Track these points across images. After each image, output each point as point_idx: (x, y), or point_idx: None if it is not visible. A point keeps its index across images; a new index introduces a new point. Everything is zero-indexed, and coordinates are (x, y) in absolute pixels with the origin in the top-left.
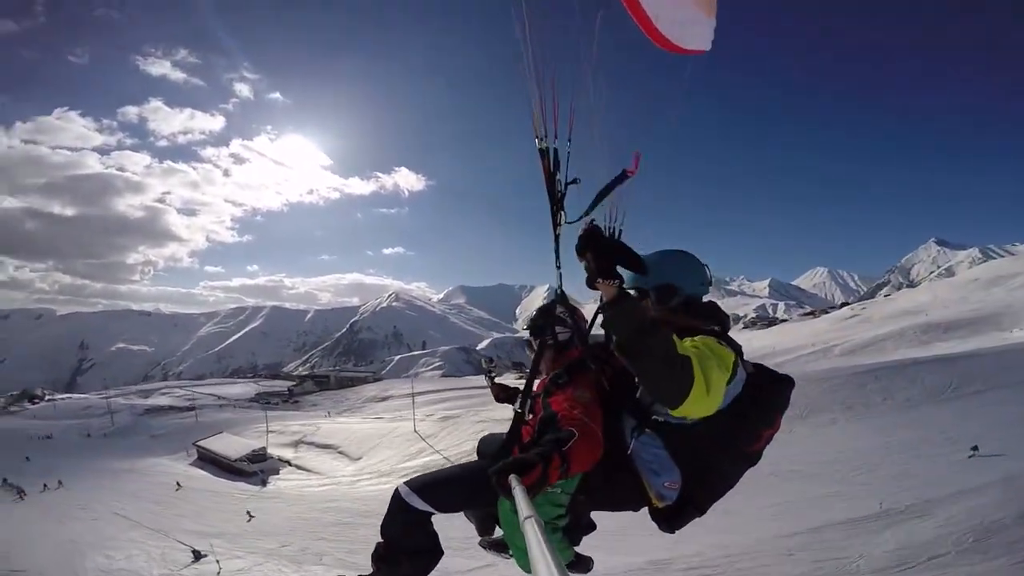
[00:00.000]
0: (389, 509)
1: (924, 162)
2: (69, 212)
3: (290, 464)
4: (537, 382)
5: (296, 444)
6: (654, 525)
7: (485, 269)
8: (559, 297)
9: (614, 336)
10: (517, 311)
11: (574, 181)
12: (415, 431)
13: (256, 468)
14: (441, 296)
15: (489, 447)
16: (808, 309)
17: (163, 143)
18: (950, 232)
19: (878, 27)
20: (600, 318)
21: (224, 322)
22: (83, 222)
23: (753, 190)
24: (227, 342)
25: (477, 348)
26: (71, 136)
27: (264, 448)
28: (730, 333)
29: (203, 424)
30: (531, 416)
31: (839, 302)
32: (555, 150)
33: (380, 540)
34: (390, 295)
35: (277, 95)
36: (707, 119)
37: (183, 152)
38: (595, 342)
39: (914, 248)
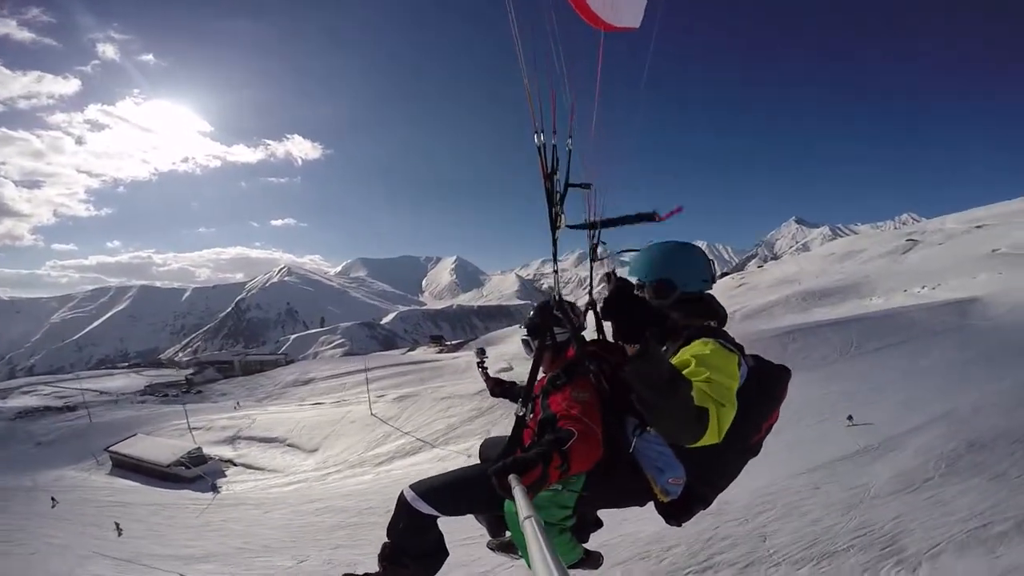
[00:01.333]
0: (395, 512)
1: (788, 147)
2: None
3: (233, 464)
4: (536, 383)
5: (232, 440)
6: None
7: (387, 241)
8: (555, 300)
9: (634, 389)
10: (423, 283)
11: (584, 185)
12: (372, 414)
13: (196, 473)
14: (339, 269)
15: (492, 451)
16: None
17: None
18: (807, 211)
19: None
20: (599, 320)
21: (82, 306)
22: None
23: (635, 166)
24: (87, 329)
25: (382, 322)
26: None
27: (199, 448)
28: None
29: (100, 426)
30: (531, 418)
31: (717, 272)
32: (554, 147)
33: (386, 541)
34: (281, 269)
35: (150, 57)
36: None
37: (24, 118)
38: (593, 341)
39: (777, 225)
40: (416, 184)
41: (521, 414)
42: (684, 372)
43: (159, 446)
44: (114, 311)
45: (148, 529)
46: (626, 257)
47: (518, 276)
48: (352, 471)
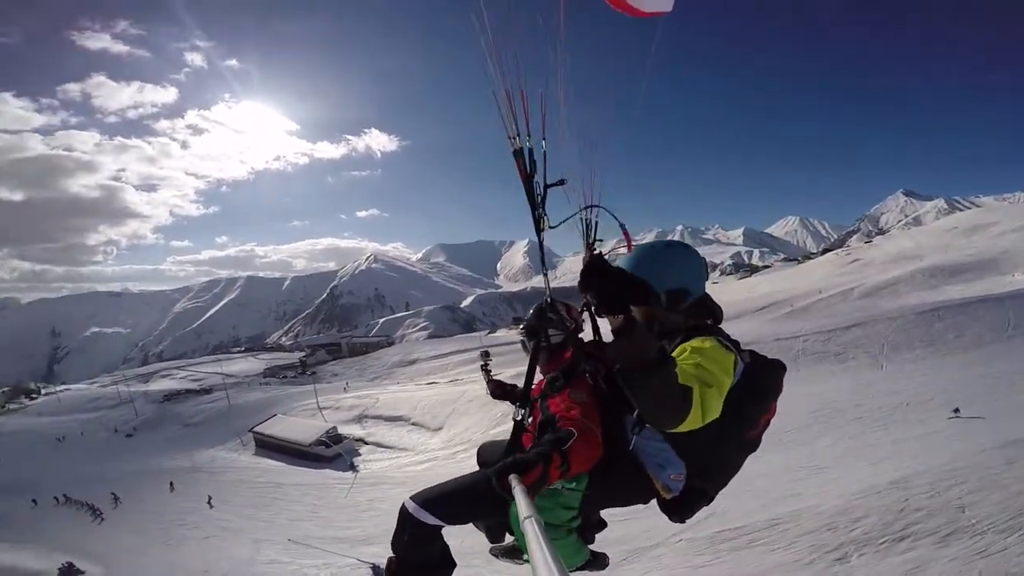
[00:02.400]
0: (397, 525)
1: (893, 115)
2: (17, 197)
3: (364, 442)
4: (533, 386)
5: (360, 419)
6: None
7: (463, 226)
8: (547, 302)
9: (617, 366)
10: (498, 266)
11: (559, 183)
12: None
13: (334, 452)
14: (420, 255)
15: (489, 455)
16: (781, 256)
17: (112, 119)
18: (917, 183)
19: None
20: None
21: (199, 296)
22: (34, 206)
23: (727, 142)
24: (204, 317)
25: (462, 305)
26: (7, 119)
27: (335, 428)
28: (713, 282)
29: (237, 407)
30: (529, 421)
31: (811, 249)
32: (530, 150)
33: (391, 555)
34: (368, 257)
35: (233, 62)
36: (683, 78)
37: (135, 127)
38: (589, 342)
39: (883, 198)
40: (486, 169)
41: (519, 418)
42: (674, 355)
43: (298, 426)
44: (226, 300)
45: (308, 511)
46: (619, 260)
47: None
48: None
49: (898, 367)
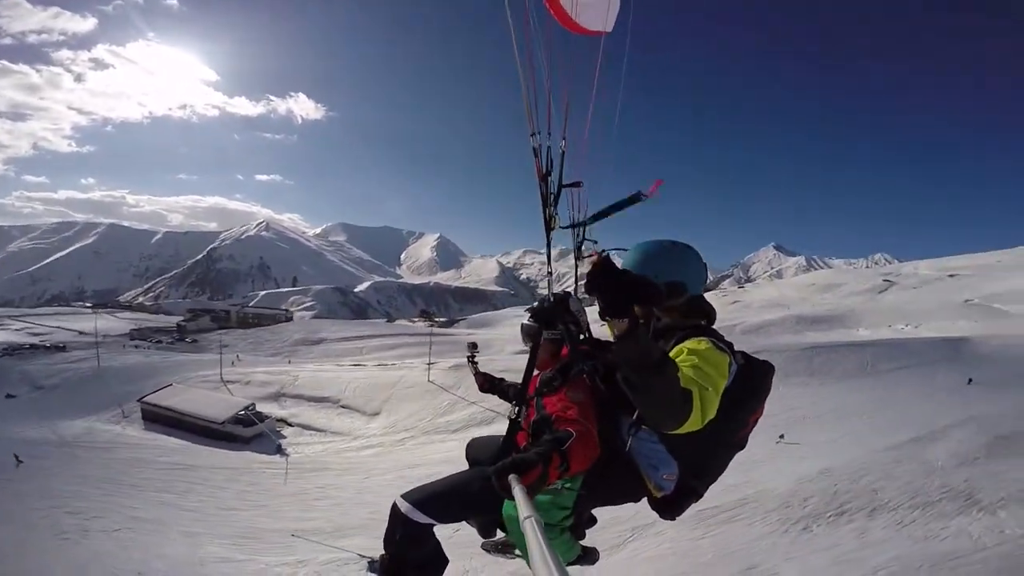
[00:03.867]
0: (390, 524)
1: (772, 173)
2: None
3: (288, 423)
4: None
5: (277, 397)
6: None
7: (372, 209)
8: (549, 300)
9: (621, 370)
10: (402, 256)
11: (575, 184)
12: (430, 381)
13: (254, 432)
14: (318, 231)
15: (480, 452)
16: None
17: (6, 41)
18: (787, 239)
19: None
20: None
21: (44, 237)
22: None
23: (617, 178)
24: (46, 261)
25: (356, 290)
26: None
27: (253, 404)
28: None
29: (110, 371)
30: (524, 420)
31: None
32: (548, 148)
33: (383, 554)
34: (259, 223)
35: (173, 1)
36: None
37: (28, 52)
38: (585, 340)
39: (756, 249)
40: (409, 157)
41: (514, 416)
42: (672, 358)
43: (204, 399)
44: (77, 245)
45: (240, 499)
46: (620, 257)
47: (499, 263)
48: (428, 437)
49: (791, 389)
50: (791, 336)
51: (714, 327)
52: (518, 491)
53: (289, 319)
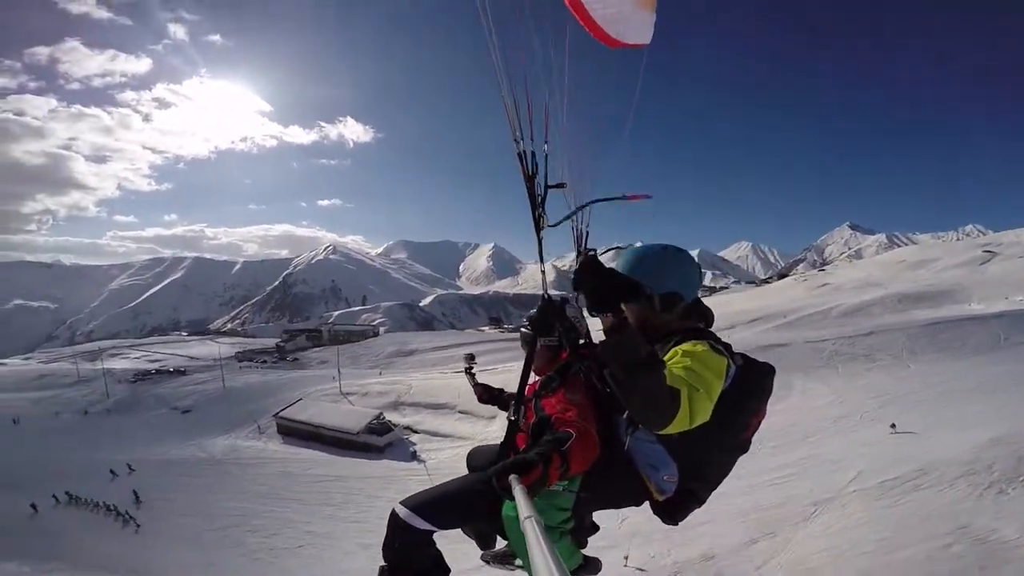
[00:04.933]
0: (388, 531)
1: (845, 149)
2: None
3: (413, 431)
4: (528, 384)
5: (396, 406)
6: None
7: (428, 225)
8: (547, 302)
9: (608, 365)
10: (460, 268)
11: (559, 185)
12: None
13: (387, 440)
14: (380, 250)
15: (480, 460)
16: (731, 279)
17: (75, 86)
18: (862, 217)
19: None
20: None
21: (140, 274)
22: None
23: (688, 165)
24: (143, 296)
25: (421, 304)
26: None
27: (382, 414)
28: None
29: (236, 391)
30: (523, 422)
31: (759, 275)
32: (532, 153)
33: (383, 564)
34: (327, 247)
35: (216, 37)
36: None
37: (97, 96)
38: (586, 345)
39: (829, 230)
40: (458, 170)
41: (513, 418)
42: (665, 360)
43: (337, 412)
44: (169, 280)
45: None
46: (616, 262)
47: (554, 267)
48: None
49: (924, 366)
50: (895, 316)
51: (712, 330)
52: (518, 491)
53: (376, 334)
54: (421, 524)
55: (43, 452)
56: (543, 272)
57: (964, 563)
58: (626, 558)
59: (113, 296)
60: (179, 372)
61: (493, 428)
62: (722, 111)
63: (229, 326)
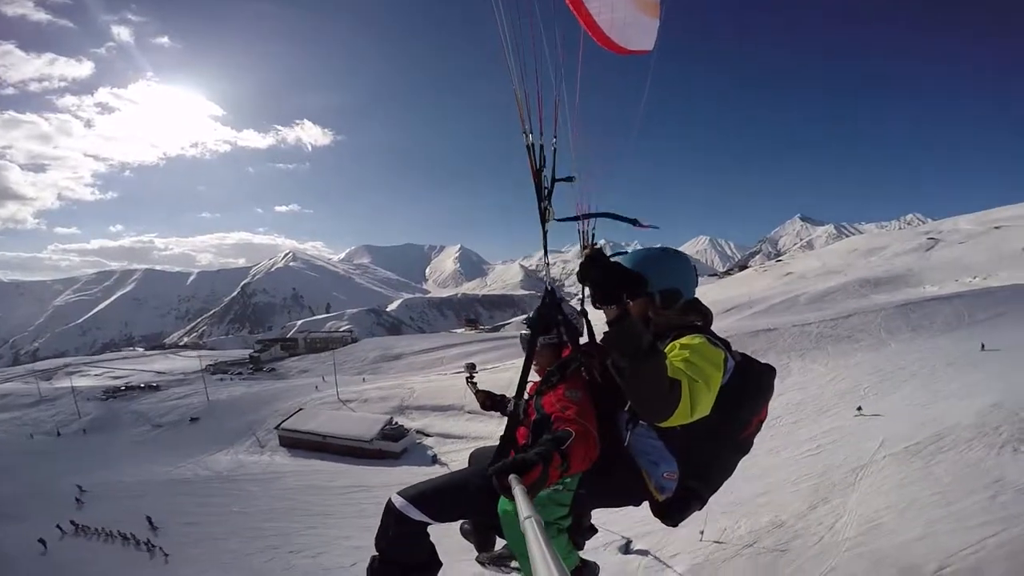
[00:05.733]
0: (383, 521)
1: (794, 144)
2: None
3: (426, 434)
4: (529, 385)
5: (402, 410)
6: None
7: (391, 228)
8: (549, 291)
9: (611, 355)
10: (426, 271)
11: (568, 179)
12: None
13: (402, 446)
14: (343, 256)
15: (483, 460)
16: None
17: (9, 91)
18: (812, 209)
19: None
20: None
21: (86, 289)
22: None
23: (644, 164)
24: (92, 312)
25: (387, 309)
26: None
27: (392, 418)
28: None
29: (220, 404)
30: (524, 419)
31: (718, 268)
32: (541, 146)
33: (375, 554)
34: (286, 255)
35: (164, 39)
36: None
37: (33, 101)
38: (585, 343)
39: (782, 222)
40: (421, 172)
41: (515, 411)
42: (665, 352)
43: (343, 420)
44: (119, 294)
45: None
46: (618, 259)
47: (522, 266)
48: None
49: (902, 344)
50: (859, 300)
51: (711, 328)
52: (518, 491)
53: (355, 340)
54: (417, 515)
55: (29, 477)
56: (547, 264)
57: (1015, 510)
58: (701, 533)
59: (58, 312)
60: (151, 388)
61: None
62: (675, 110)
63: (187, 339)
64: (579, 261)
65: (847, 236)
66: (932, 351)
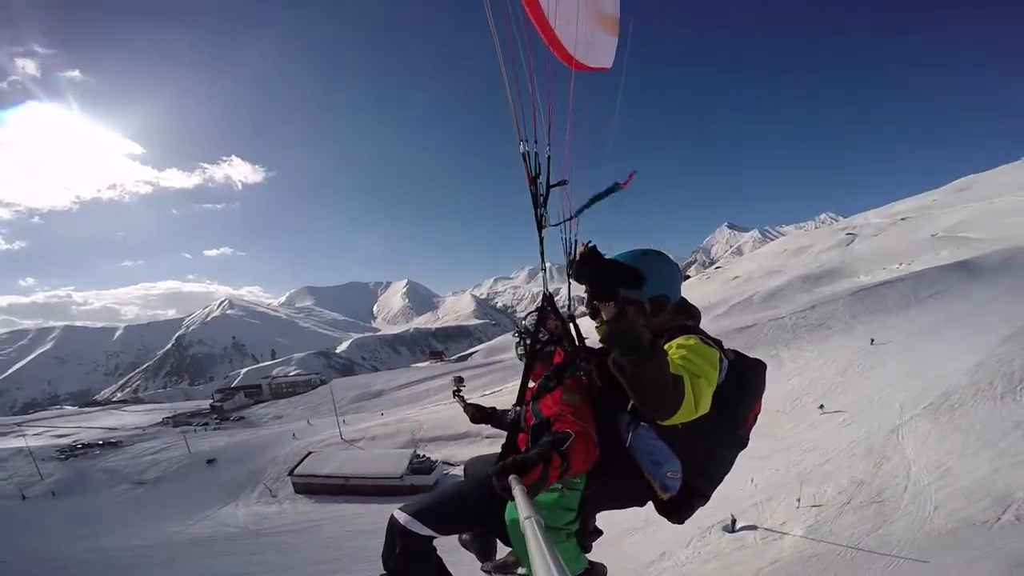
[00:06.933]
0: (387, 539)
1: (719, 153)
2: None
3: (450, 464)
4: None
5: (414, 443)
6: None
7: (333, 267)
8: (547, 300)
9: (612, 355)
10: (374, 309)
11: (560, 183)
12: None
13: (433, 480)
14: (283, 300)
15: (479, 469)
16: None
17: None
18: (737, 216)
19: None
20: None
21: None
22: None
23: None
24: (8, 372)
25: (337, 351)
26: None
27: (415, 451)
28: None
29: (203, 455)
30: (523, 424)
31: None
32: (535, 154)
33: (383, 573)
34: (222, 303)
35: (75, 73)
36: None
37: None
38: (579, 346)
39: (711, 231)
40: (361, 207)
41: (513, 415)
42: None
43: (365, 459)
44: (37, 353)
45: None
46: None
47: (473, 296)
48: None
49: (867, 326)
50: (806, 295)
51: (701, 327)
52: (518, 492)
53: (324, 382)
54: (422, 530)
55: (21, 547)
56: (544, 269)
57: None
58: (798, 500)
59: None
60: (111, 444)
61: None
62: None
63: (120, 395)
64: (575, 260)
65: (771, 239)
66: (896, 327)
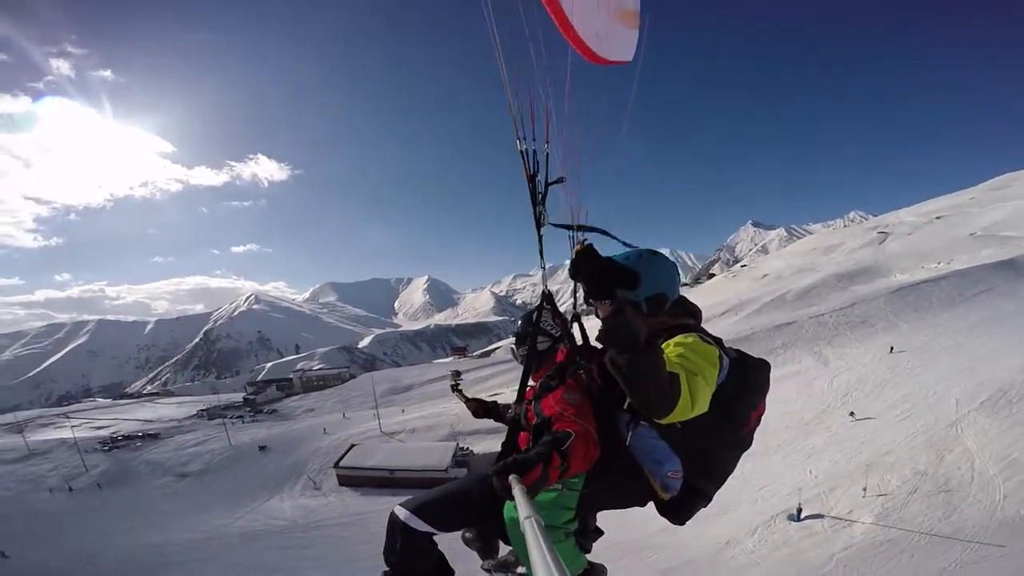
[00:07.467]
0: (388, 535)
1: (742, 151)
2: None
3: None
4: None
5: (454, 436)
6: None
7: (356, 263)
8: (546, 298)
9: (608, 352)
10: (396, 305)
11: (558, 181)
12: None
13: None
14: (307, 295)
15: (482, 468)
16: None
17: None
18: (762, 215)
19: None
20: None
21: (35, 343)
22: None
23: (607, 181)
24: (43, 365)
25: (359, 346)
26: None
27: (457, 442)
28: None
29: (242, 448)
30: (525, 424)
31: (682, 278)
32: (534, 151)
33: (385, 570)
34: (248, 298)
35: (107, 73)
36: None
37: None
38: (580, 345)
39: (735, 229)
40: (383, 204)
41: (514, 414)
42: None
43: (409, 452)
44: (72, 347)
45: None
46: None
47: (492, 293)
48: None
49: (911, 324)
50: (841, 293)
51: (702, 325)
52: (518, 491)
53: (353, 376)
54: (421, 526)
55: (72, 543)
56: (543, 267)
57: None
58: (864, 490)
59: (6, 367)
60: (151, 436)
61: None
62: (632, 129)
63: (150, 388)
64: (570, 258)
65: (798, 237)
66: (943, 327)
